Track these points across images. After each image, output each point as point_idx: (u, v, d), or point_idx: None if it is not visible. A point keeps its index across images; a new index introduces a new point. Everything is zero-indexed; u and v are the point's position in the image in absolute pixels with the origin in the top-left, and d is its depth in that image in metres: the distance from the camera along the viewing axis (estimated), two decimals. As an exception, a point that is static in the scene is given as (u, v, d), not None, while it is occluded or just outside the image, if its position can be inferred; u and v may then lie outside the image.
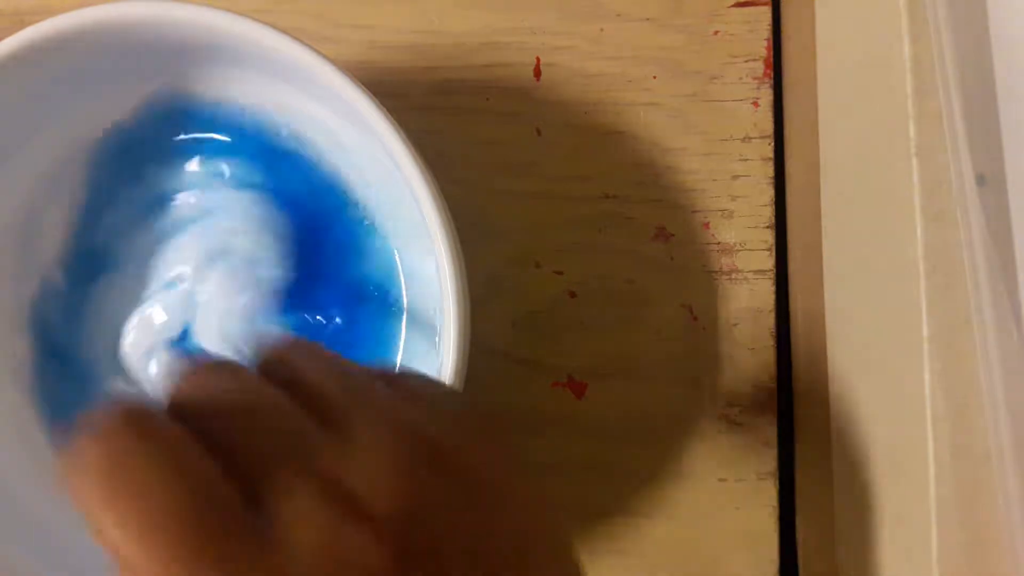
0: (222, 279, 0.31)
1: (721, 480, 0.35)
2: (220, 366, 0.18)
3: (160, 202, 0.33)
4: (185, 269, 0.32)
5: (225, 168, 0.32)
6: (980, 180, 0.23)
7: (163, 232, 0.33)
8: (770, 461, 0.35)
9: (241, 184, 0.32)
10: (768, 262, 0.35)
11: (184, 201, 0.33)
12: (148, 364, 0.32)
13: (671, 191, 0.35)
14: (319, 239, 0.32)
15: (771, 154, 0.35)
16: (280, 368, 0.19)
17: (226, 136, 0.32)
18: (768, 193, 0.35)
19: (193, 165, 0.33)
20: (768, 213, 0.35)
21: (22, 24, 0.26)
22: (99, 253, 0.33)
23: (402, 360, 0.32)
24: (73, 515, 0.30)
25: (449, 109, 0.36)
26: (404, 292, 0.32)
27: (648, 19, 0.36)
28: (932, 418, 0.23)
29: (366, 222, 0.32)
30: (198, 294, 0.32)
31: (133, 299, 0.32)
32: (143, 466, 0.15)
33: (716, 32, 0.36)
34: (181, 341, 0.32)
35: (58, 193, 0.32)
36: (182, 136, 0.32)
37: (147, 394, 0.18)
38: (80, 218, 0.33)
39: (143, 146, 0.32)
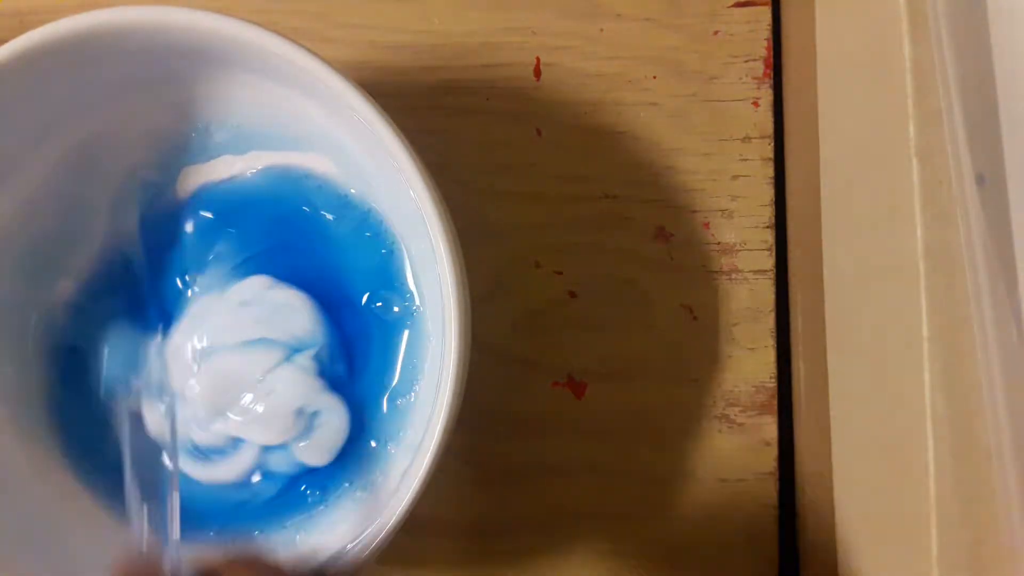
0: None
1: (721, 480, 0.35)
2: None
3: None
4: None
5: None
6: (980, 180, 0.23)
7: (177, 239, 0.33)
8: (770, 461, 0.35)
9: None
10: (768, 262, 0.35)
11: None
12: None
13: (671, 191, 0.35)
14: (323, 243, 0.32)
15: (771, 154, 0.35)
16: None
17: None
18: (768, 193, 0.35)
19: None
20: (768, 213, 0.35)
21: (22, 24, 0.27)
22: (109, 261, 0.33)
23: (403, 361, 0.32)
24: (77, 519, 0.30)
25: (449, 109, 0.36)
26: (405, 292, 0.32)
27: (648, 19, 0.36)
28: (932, 418, 0.23)
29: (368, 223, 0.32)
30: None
31: (144, 306, 0.32)
32: None
33: (716, 32, 0.36)
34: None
35: (64, 201, 0.32)
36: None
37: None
38: (88, 225, 0.32)
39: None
